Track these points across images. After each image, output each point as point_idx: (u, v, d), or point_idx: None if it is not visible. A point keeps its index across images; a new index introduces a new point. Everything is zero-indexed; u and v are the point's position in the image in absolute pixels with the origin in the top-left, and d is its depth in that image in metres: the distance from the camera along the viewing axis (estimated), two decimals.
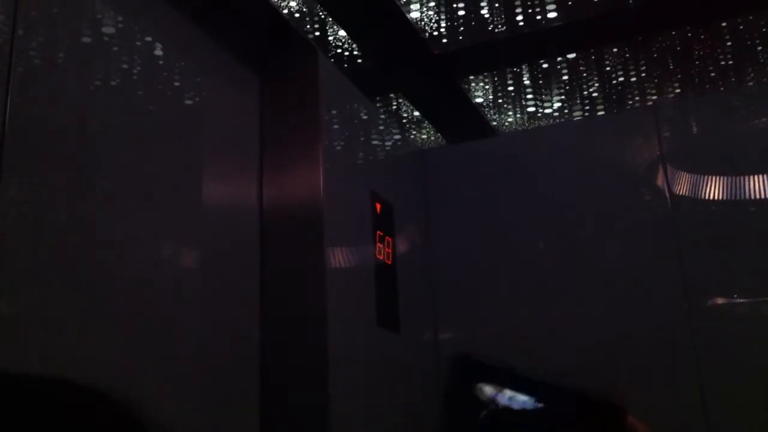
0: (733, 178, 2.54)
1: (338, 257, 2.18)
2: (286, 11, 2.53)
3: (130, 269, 1.64)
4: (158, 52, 1.89)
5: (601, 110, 3.24)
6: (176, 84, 1.93)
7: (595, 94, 3.14)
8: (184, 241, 1.86)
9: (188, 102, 1.98)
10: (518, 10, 2.59)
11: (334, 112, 2.30)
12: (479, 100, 3.17)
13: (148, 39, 1.86)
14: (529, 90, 3.11)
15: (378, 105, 3.13)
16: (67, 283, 1.48)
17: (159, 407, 1.65)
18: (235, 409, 1.95)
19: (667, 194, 2.61)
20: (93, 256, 1.55)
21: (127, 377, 1.58)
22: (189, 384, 1.78)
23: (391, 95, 3.13)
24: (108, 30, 1.72)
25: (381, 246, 2.44)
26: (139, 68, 1.80)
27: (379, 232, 2.44)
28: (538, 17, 2.63)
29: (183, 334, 1.78)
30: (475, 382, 1.03)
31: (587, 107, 3.24)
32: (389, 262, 2.48)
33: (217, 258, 1.96)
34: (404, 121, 3.30)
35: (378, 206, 2.47)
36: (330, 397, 1.98)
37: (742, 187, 2.53)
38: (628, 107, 3.22)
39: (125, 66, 1.76)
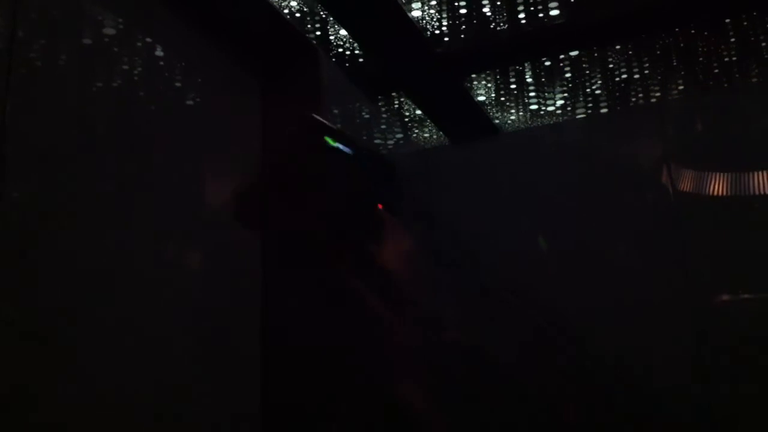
0: (738, 175, 2.53)
1: None
2: (286, 11, 2.52)
3: (128, 272, 1.63)
4: (158, 53, 1.88)
5: (604, 108, 3.22)
6: (177, 85, 1.92)
7: (598, 92, 3.12)
8: (184, 245, 1.85)
9: (189, 103, 1.96)
10: (520, 8, 2.58)
11: (335, 111, 2.29)
12: (482, 98, 3.16)
13: (149, 40, 1.85)
14: (531, 88, 3.10)
15: (380, 104, 3.12)
16: (66, 285, 1.47)
17: (158, 411, 1.64)
18: (236, 415, 1.94)
19: (671, 192, 2.59)
20: (92, 258, 1.54)
21: (126, 380, 1.58)
22: (188, 388, 1.77)
23: (393, 94, 3.11)
24: (109, 31, 1.71)
25: None
26: (139, 69, 1.79)
27: None
28: (540, 15, 2.61)
29: (182, 337, 1.77)
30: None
31: (590, 105, 3.22)
32: None
33: (218, 262, 1.95)
34: (406, 120, 3.28)
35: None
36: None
37: (746, 184, 2.51)
38: (632, 105, 3.20)
39: (125, 67, 1.74)
